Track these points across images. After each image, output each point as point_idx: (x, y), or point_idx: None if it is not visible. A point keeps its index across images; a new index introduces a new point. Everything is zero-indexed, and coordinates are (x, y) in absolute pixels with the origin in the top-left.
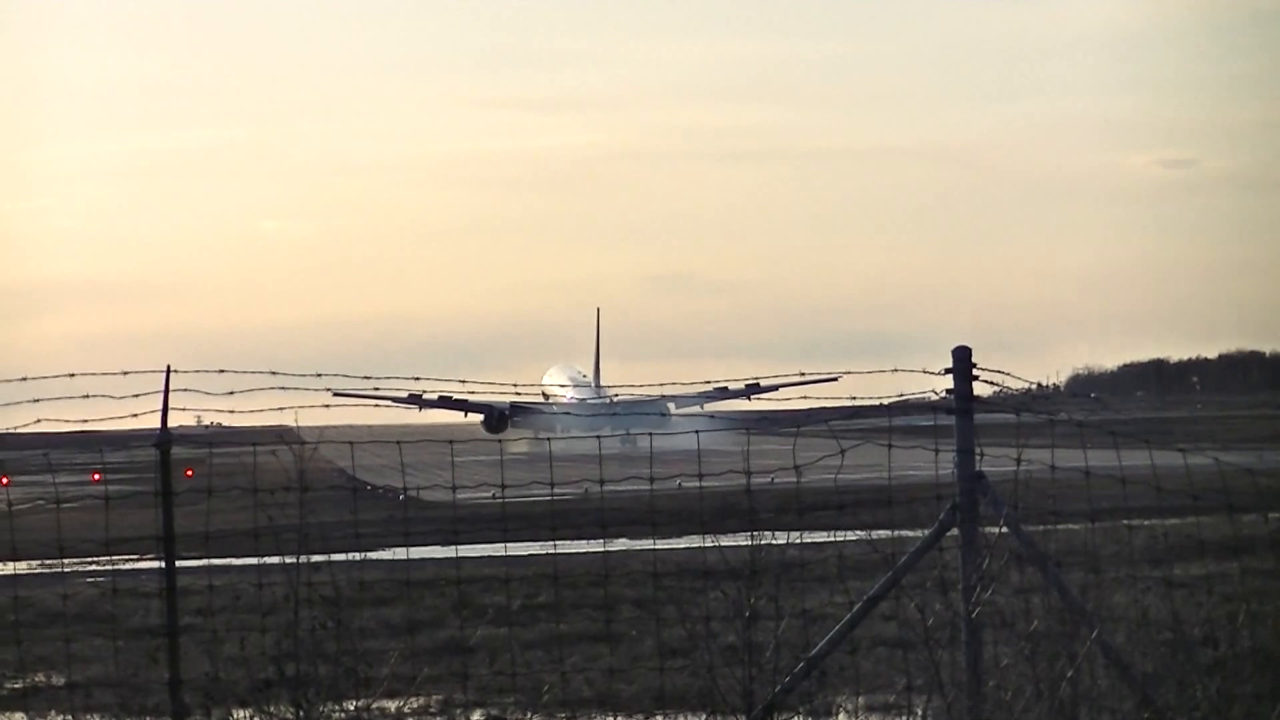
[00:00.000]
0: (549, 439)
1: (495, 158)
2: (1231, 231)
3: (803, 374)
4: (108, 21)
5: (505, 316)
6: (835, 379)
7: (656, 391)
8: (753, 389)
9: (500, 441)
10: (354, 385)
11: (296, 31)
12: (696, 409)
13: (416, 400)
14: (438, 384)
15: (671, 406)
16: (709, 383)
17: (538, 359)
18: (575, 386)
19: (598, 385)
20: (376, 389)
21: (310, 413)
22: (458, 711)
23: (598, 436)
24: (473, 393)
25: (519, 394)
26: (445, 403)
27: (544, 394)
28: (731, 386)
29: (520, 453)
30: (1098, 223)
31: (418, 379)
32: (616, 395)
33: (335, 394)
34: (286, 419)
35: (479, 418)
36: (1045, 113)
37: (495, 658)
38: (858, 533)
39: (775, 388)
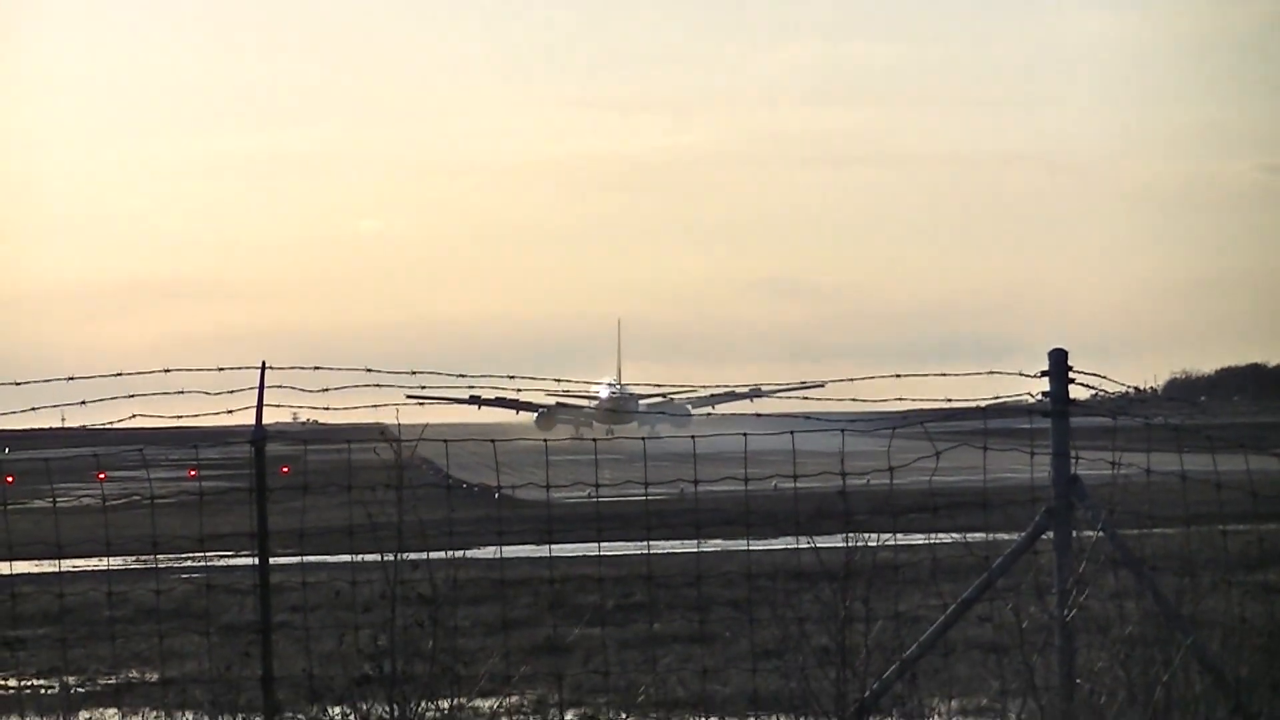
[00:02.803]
0: (580, 438)
1: (594, 159)
2: None
3: (804, 381)
4: (206, 21)
5: (601, 318)
6: (823, 385)
7: (668, 393)
8: (755, 392)
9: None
10: (447, 383)
11: (395, 31)
12: (709, 409)
13: (476, 400)
14: (532, 384)
15: (689, 407)
16: (718, 386)
17: (629, 359)
18: (606, 386)
19: (620, 386)
20: (470, 388)
21: (406, 411)
22: (552, 711)
23: (645, 437)
24: (567, 392)
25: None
26: (500, 402)
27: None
28: (737, 390)
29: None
30: (1197, 228)
31: (512, 377)
32: (630, 394)
33: (409, 396)
34: (381, 416)
35: (529, 415)
36: (1143, 118)
37: (590, 657)
38: (952, 535)
39: (775, 392)
